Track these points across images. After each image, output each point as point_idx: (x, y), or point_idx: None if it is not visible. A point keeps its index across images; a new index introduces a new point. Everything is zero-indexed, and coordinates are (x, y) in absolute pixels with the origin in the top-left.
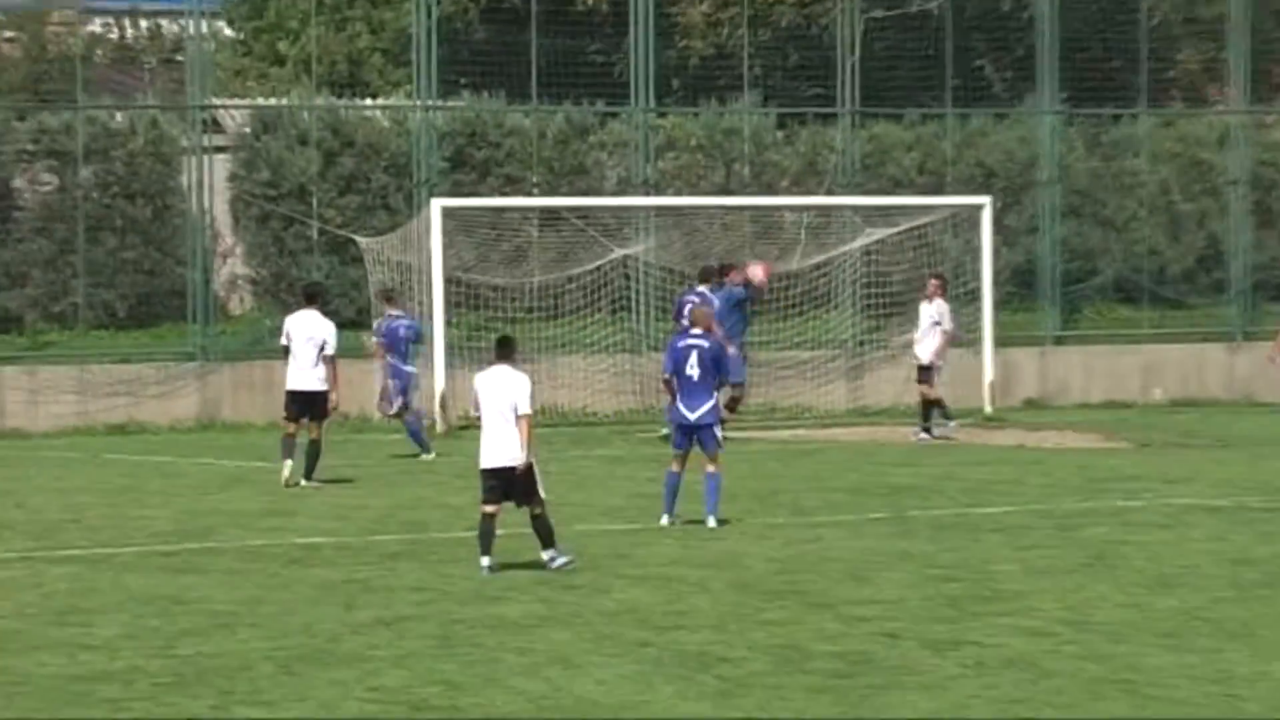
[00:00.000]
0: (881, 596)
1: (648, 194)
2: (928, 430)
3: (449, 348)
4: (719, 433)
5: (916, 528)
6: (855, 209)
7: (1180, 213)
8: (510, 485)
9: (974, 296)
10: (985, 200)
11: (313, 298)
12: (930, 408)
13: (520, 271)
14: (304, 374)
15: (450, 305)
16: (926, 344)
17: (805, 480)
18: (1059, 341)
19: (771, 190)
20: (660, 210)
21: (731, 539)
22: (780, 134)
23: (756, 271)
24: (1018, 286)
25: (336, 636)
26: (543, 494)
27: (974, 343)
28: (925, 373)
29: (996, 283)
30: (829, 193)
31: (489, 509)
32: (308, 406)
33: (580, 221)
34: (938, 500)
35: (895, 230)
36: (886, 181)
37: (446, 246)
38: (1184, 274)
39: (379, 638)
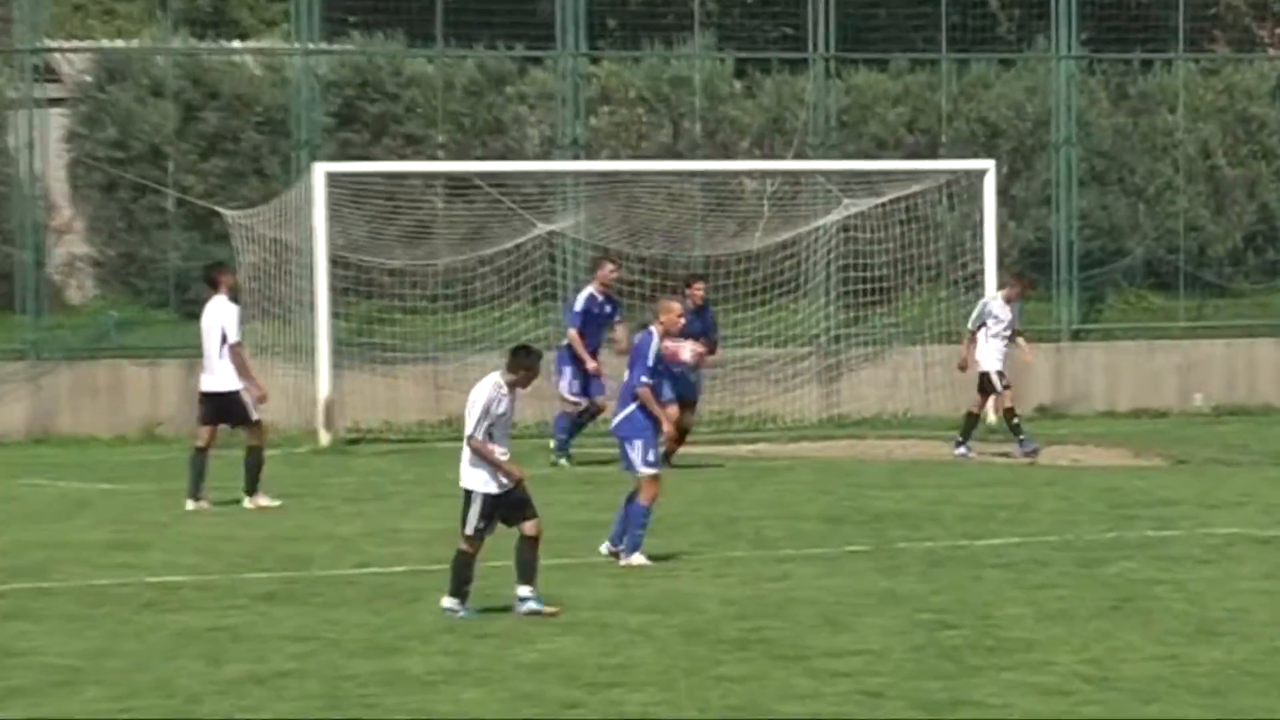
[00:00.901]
0: (862, 646)
1: (577, 157)
2: (1022, 443)
3: (336, 345)
4: (635, 448)
5: (905, 563)
6: (830, 175)
7: (1225, 179)
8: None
9: (974, 282)
10: (988, 165)
11: (214, 282)
12: (988, 418)
13: (422, 252)
14: (210, 372)
15: (337, 293)
16: (1000, 350)
17: (769, 505)
18: (1078, 336)
19: (728, 153)
20: (593, 177)
21: (681, 577)
22: (739, 84)
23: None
24: (1028, 269)
25: (198, 697)
26: (469, 529)
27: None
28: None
29: (1002, 265)
30: (798, 156)
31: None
32: (222, 411)
33: (496, 191)
34: (930, 529)
35: (879, 201)
36: (868, 142)
37: (332, 221)
38: (1230, 254)
39: (251, 698)
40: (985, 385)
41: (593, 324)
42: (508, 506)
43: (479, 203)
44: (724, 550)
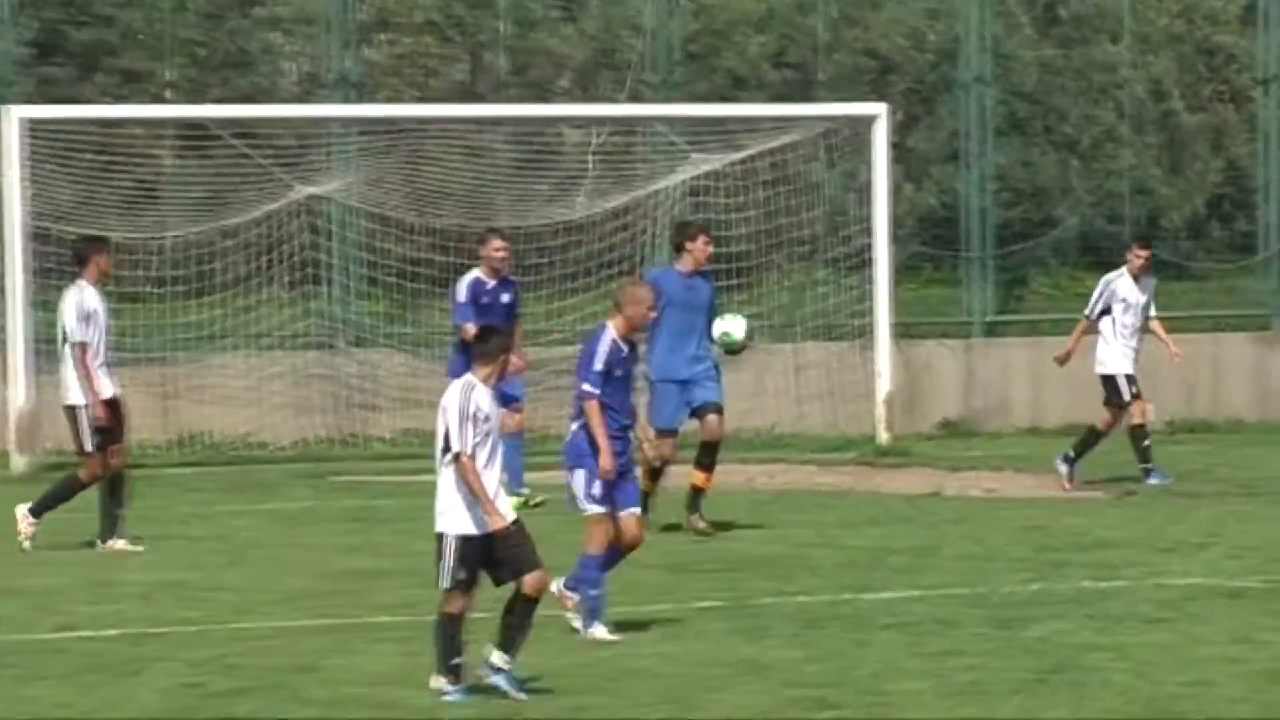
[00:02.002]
0: None
1: (348, 100)
2: (1149, 470)
3: (34, 342)
4: (576, 479)
5: (771, 623)
6: (674, 124)
7: (1183, 128)
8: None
9: (861, 261)
10: (878, 110)
11: (81, 260)
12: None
13: (147, 221)
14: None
15: (36, 275)
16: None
17: None
18: (993, 330)
19: (543, 94)
20: (368, 125)
21: (484, 642)
22: (556, 5)
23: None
24: (930, 244)
25: None
26: (445, 581)
27: (860, 334)
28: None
29: (896, 238)
30: (633, 98)
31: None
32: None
33: (241, 143)
34: (804, 580)
35: (737, 157)
36: (723, 80)
37: (30, 181)
38: (1189, 224)
39: None
40: (1113, 393)
41: (488, 317)
42: (495, 553)
43: (219, 158)
44: (540, 607)
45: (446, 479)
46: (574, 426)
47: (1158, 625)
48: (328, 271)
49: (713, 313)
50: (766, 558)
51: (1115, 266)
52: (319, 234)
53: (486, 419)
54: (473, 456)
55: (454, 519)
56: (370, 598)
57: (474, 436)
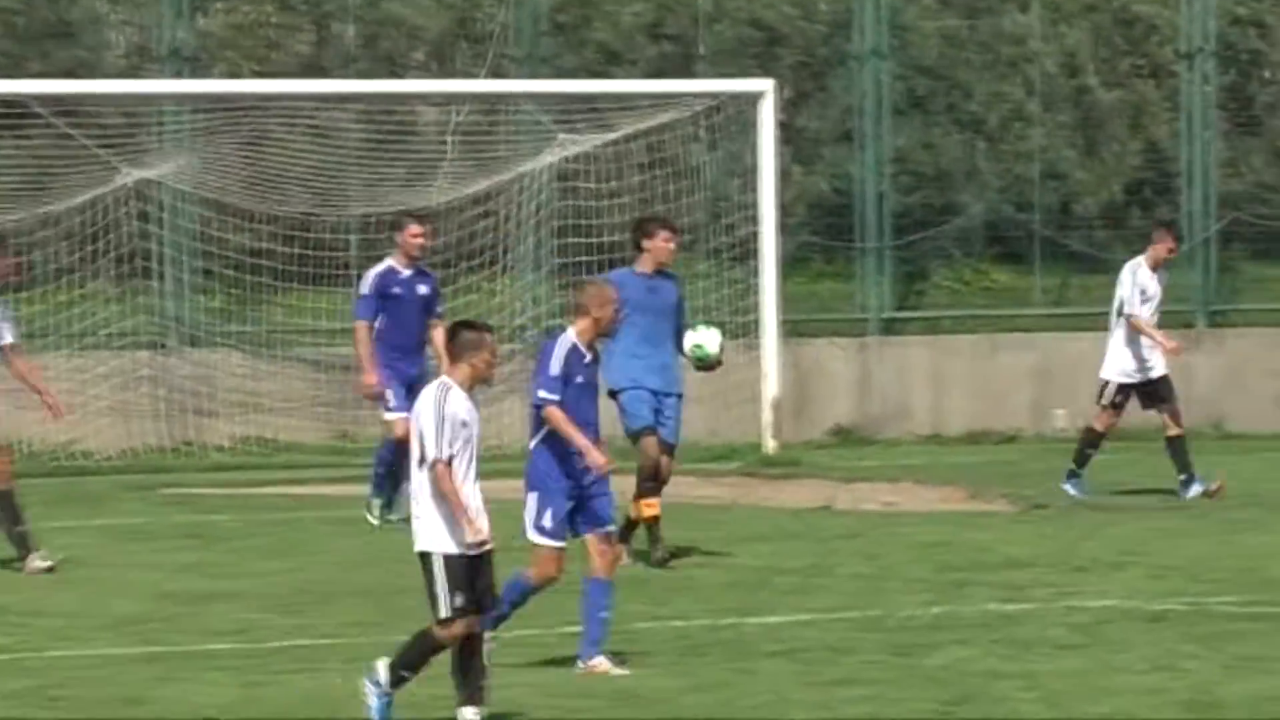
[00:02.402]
0: None
1: (180, 74)
2: (1189, 480)
3: None
4: (529, 504)
5: (647, 649)
6: (541, 101)
7: (1099, 106)
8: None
9: (745, 251)
10: (765, 86)
11: None
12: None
13: None
14: None
15: None
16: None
17: None
18: (891, 328)
19: (396, 68)
20: (203, 103)
21: (329, 670)
22: None
23: None
24: (821, 233)
25: None
26: (443, 609)
27: (745, 333)
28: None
29: (784, 228)
30: (496, 73)
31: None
32: None
33: (62, 123)
34: (682, 603)
35: (611, 138)
36: (594, 53)
37: None
38: (1106, 212)
39: None
40: (1157, 391)
41: (401, 311)
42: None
43: (38, 139)
44: (389, 632)
45: (426, 491)
46: (532, 445)
47: (1071, 651)
48: (159, 263)
49: (682, 317)
50: (641, 578)
51: (1023, 259)
52: (149, 222)
53: (465, 425)
54: (449, 463)
55: (439, 536)
56: (204, 622)
57: (451, 443)
